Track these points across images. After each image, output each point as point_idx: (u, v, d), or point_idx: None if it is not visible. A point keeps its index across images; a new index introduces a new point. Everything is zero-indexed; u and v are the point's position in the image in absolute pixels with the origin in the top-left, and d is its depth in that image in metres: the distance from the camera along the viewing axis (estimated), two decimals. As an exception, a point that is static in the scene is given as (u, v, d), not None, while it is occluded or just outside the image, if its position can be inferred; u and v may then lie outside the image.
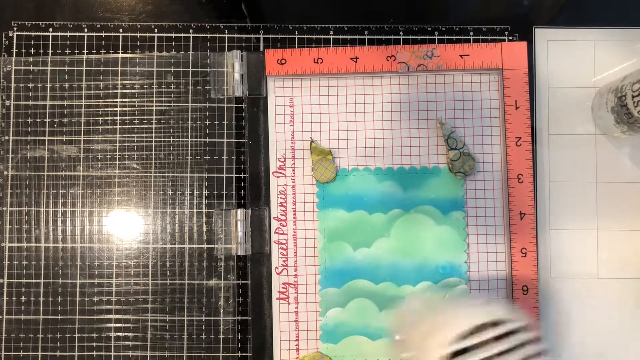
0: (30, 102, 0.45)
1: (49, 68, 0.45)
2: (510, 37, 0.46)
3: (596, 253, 0.45)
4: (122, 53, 0.45)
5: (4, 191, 0.45)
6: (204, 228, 0.45)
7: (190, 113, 0.45)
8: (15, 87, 0.45)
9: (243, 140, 0.45)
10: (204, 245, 0.45)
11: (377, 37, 0.46)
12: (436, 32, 0.46)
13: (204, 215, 0.45)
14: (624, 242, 0.45)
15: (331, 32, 0.46)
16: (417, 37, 0.46)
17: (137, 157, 0.45)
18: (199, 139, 0.45)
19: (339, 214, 0.45)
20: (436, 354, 0.32)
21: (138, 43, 0.46)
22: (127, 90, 0.45)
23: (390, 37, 0.46)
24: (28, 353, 0.44)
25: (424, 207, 0.44)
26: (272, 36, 0.46)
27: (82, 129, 0.45)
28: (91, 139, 0.45)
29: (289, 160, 0.45)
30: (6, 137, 0.45)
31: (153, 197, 0.45)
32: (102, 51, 0.46)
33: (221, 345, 0.44)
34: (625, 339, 0.44)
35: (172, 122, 0.45)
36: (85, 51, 0.46)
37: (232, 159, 0.45)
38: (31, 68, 0.45)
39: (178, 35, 0.46)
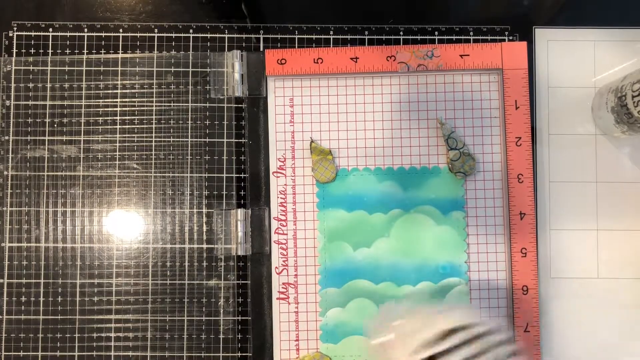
0: (30, 102, 0.45)
1: (49, 68, 0.45)
2: (510, 37, 0.46)
3: (596, 253, 0.45)
4: (122, 53, 0.45)
5: (4, 191, 0.45)
6: (204, 228, 0.45)
7: (190, 113, 0.45)
8: (15, 87, 0.45)
9: (243, 140, 0.45)
10: (204, 245, 0.45)
11: (377, 37, 0.46)
12: (436, 32, 0.46)
13: (204, 215, 0.45)
14: (624, 242, 0.45)
15: (331, 32, 0.46)
16: (417, 37, 0.46)
17: (137, 157, 0.45)
18: (199, 139, 0.45)
19: (339, 214, 0.45)
20: (410, 359, 0.33)
21: (138, 43, 0.46)
22: (127, 90, 0.45)
23: (390, 37, 0.46)
24: (28, 353, 0.44)
25: (424, 207, 0.44)
26: (272, 36, 0.46)
27: (82, 129, 0.45)
28: (91, 139, 0.45)
29: (289, 160, 0.45)
30: (6, 137, 0.45)
31: (153, 197, 0.45)
32: (102, 51, 0.46)
33: (221, 345, 0.44)
34: (625, 339, 0.44)
35: (172, 122, 0.45)
36: (85, 51, 0.46)
37: (232, 159, 0.45)
38: (31, 68, 0.45)
39: (178, 35, 0.46)
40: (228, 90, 0.45)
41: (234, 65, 0.45)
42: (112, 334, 0.44)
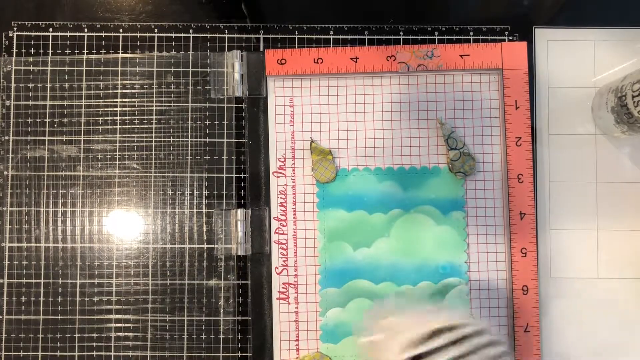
0: (30, 102, 0.45)
1: (49, 68, 0.45)
2: (510, 37, 0.46)
3: (596, 253, 0.45)
4: (122, 53, 0.45)
5: (4, 191, 0.45)
6: (204, 228, 0.45)
7: (190, 113, 0.45)
8: (15, 87, 0.45)
9: (243, 140, 0.45)
10: (204, 245, 0.45)
11: (377, 37, 0.46)
12: (436, 32, 0.46)
13: (204, 215, 0.45)
14: (624, 242, 0.45)
15: (331, 32, 0.46)
16: (417, 37, 0.46)
17: (137, 157, 0.45)
18: (199, 139, 0.45)
19: (339, 214, 0.45)
20: (397, 358, 0.33)
21: (138, 43, 0.46)
22: (127, 90, 0.45)
23: (390, 37, 0.46)
24: (28, 353, 0.44)
25: (424, 207, 0.44)
26: (272, 36, 0.46)
27: (82, 129, 0.45)
28: (91, 139, 0.45)
29: (289, 160, 0.45)
30: (6, 137, 0.45)
31: (153, 197, 0.45)
32: (102, 51, 0.46)
33: (221, 345, 0.44)
34: (625, 339, 0.44)
35: (172, 122, 0.45)
36: (85, 51, 0.46)
37: (232, 159, 0.45)
38: (31, 68, 0.45)
39: (178, 35, 0.46)
40: (228, 90, 0.45)
41: (234, 65, 0.45)
42: (112, 334, 0.44)
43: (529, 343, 0.43)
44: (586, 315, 0.44)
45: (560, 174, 0.45)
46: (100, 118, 0.45)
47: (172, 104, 0.45)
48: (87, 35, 0.46)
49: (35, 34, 0.46)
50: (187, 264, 0.44)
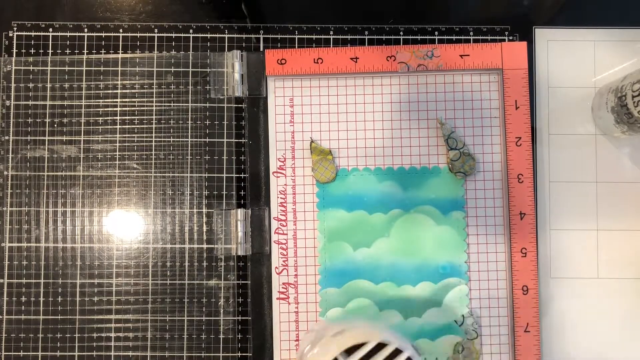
0: (30, 102, 0.45)
1: (49, 68, 0.45)
2: (510, 37, 0.46)
3: (596, 253, 0.45)
4: (122, 53, 0.45)
5: (4, 191, 0.45)
6: (204, 228, 0.45)
7: (190, 113, 0.45)
8: (15, 87, 0.45)
9: (243, 140, 0.45)
10: (204, 245, 0.45)
11: (377, 37, 0.46)
12: (436, 32, 0.46)
13: (204, 215, 0.45)
14: (624, 242, 0.45)
15: (331, 32, 0.46)
16: (417, 37, 0.46)
17: (137, 157, 0.45)
18: (199, 139, 0.45)
19: (339, 214, 0.45)
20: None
21: (138, 43, 0.46)
22: (127, 90, 0.45)
23: (390, 37, 0.46)
24: (28, 353, 0.44)
25: (424, 207, 0.44)
26: (272, 36, 0.46)
27: (82, 129, 0.45)
28: (91, 139, 0.45)
29: (289, 160, 0.45)
30: (6, 137, 0.45)
31: (153, 197, 0.45)
32: (102, 51, 0.46)
33: (221, 345, 0.44)
34: (625, 339, 0.44)
35: (172, 122, 0.45)
36: (85, 51, 0.46)
37: (232, 159, 0.45)
38: (31, 68, 0.45)
39: (178, 35, 0.46)
40: (228, 90, 0.45)
41: (234, 65, 0.45)
42: (112, 334, 0.44)
43: (529, 343, 0.43)
44: (586, 315, 0.44)
45: (560, 174, 0.45)
46: (100, 118, 0.45)
47: (172, 104, 0.45)
48: (87, 35, 0.46)
49: (35, 34, 0.46)
50: (187, 264, 0.44)
